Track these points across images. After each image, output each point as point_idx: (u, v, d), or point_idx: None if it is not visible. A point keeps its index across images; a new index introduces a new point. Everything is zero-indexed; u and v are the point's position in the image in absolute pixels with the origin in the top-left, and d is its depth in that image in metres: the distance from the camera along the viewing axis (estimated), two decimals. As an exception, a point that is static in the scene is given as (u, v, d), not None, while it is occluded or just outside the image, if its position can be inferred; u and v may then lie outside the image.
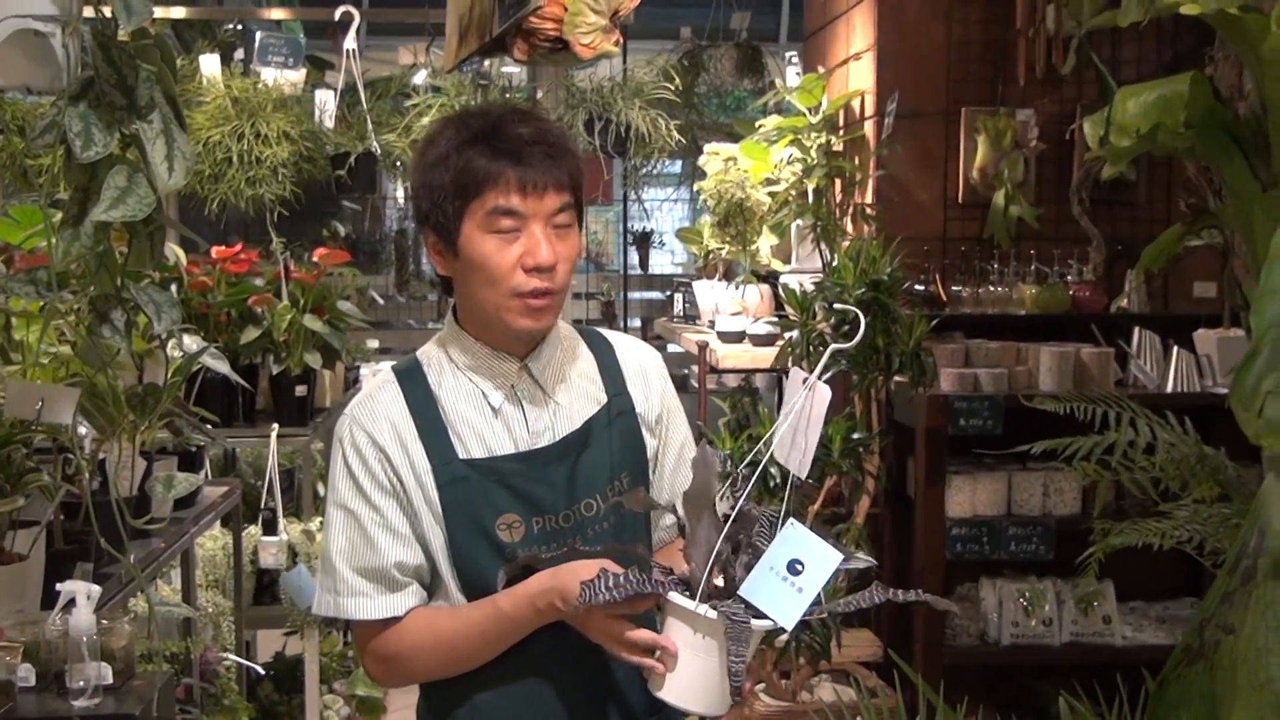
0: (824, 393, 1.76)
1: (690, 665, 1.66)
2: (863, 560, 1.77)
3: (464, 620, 1.91)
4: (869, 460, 3.91)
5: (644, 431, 2.05)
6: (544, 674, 1.92)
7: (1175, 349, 4.08)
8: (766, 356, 4.49)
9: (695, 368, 4.79)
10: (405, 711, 5.22)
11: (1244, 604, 2.01)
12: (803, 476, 1.99)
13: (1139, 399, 2.86)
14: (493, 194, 1.85)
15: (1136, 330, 4.17)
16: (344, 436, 1.96)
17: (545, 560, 1.84)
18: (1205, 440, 2.73)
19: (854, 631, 4.15)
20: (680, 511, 1.77)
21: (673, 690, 1.69)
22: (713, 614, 1.62)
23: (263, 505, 3.97)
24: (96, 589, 2.27)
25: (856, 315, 3.74)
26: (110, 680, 2.31)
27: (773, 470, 3.80)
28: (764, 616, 1.64)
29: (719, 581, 1.69)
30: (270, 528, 3.95)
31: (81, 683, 2.25)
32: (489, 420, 1.95)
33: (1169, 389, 4.06)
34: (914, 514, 4.02)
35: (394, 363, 2.08)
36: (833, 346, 1.82)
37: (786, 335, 4.04)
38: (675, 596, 1.66)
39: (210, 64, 4.87)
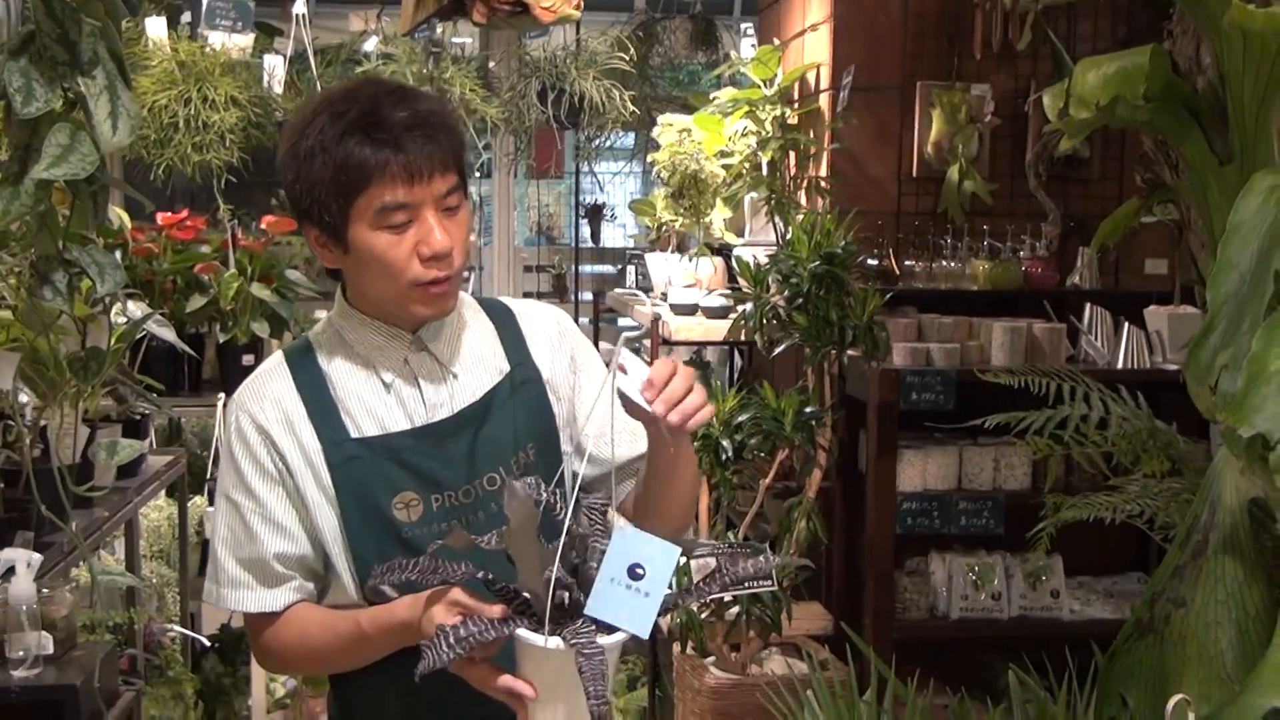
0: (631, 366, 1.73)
1: (553, 698, 1.60)
2: (705, 544, 1.74)
3: (330, 631, 1.85)
4: (821, 434, 3.91)
5: (551, 398, 1.98)
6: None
7: (1126, 325, 4.10)
8: (720, 329, 4.48)
9: (648, 341, 4.76)
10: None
11: (1194, 578, 2.02)
12: (632, 454, 1.95)
13: (1090, 375, 2.86)
14: (379, 188, 1.76)
15: (1088, 306, 4.19)
16: (231, 422, 1.90)
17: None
18: (1155, 416, 2.74)
19: (804, 605, 4.15)
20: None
21: None
22: (562, 645, 1.55)
23: (208, 475, 3.92)
24: (37, 557, 2.23)
25: (810, 289, 3.75)
26: (51, 650, 2.27)
27: (724, 443, 3.80)
28: (616, 629, 1.57)
29: (566, 598, 1.60)
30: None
31: (21, 652, 2.22)
32: (382, 397, 1.89)
33: (1119, 365, 4.08)
34: (865, 488, 4.02)
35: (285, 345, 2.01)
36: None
37: (740, 308, 4.03)
38: (523, 634, 1.58)
39: (156, 27, 4.78)
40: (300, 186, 1.80)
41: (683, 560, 1.62)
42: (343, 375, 1.89)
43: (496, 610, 1.61)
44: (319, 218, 1.81)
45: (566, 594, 1.60)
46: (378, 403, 1.88)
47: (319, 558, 1.88)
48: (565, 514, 1.61)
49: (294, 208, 1.86)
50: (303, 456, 1.85)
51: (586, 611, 1.58)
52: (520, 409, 1.94)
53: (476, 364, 1.94)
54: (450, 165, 1.80)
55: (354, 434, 1.86)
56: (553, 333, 2.02)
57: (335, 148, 1.76)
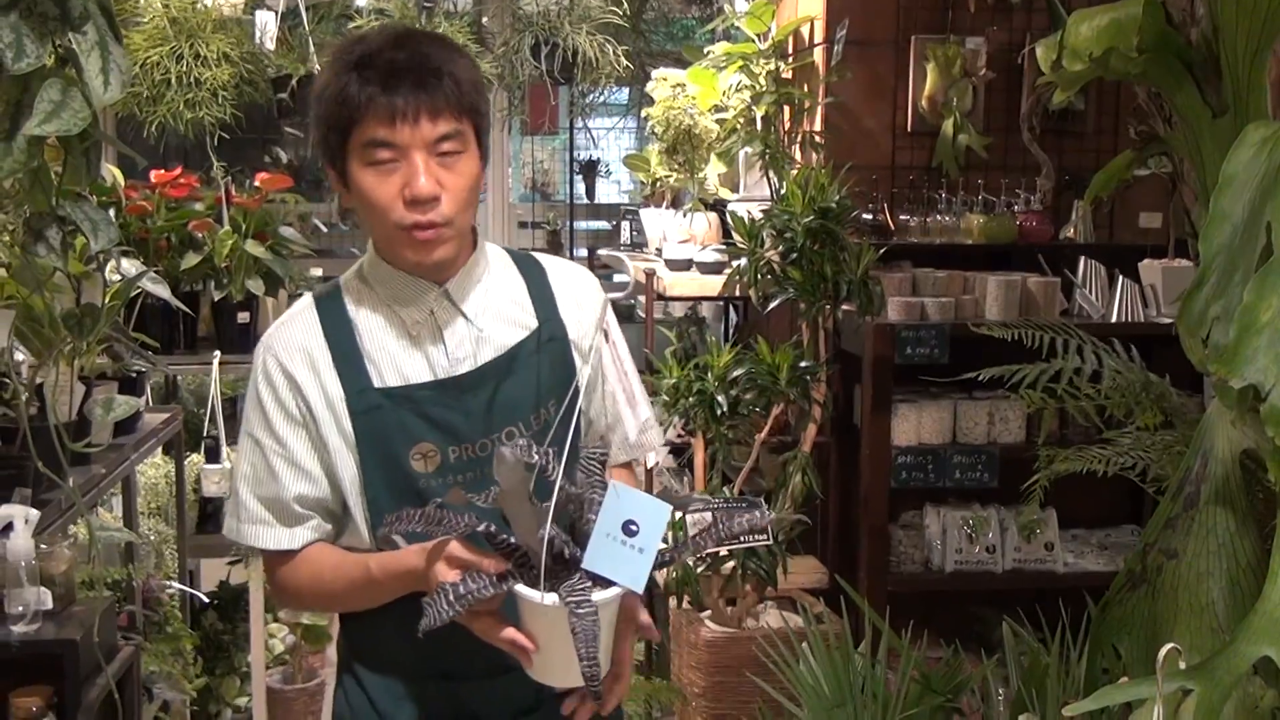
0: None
1: (552, 647, 1.64)
2: (698, 500, 1.75)
3: (342, 574, 1.88)
4: (816, 388, 3.91)
5: (576, 358, 1.99)
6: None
7: (1120, 279, 4.10)
8: (714, 284, 4.48)
9: (642, 297, 4.76)
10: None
11: (1186, 529, 2.03)
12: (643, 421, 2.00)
13: (1084, 328, 2.86)
14: (366, 124, 1.78)
15: (1082, 260, 4.19)
16: (257, 363, 1.92)
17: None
18: (1148, 370, 2.74)
19: (800, 559, 4.18)
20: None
21: (545, 673, 1.68)
22: (558, 602, 1.58)
23: (205, 433, 3.92)
24: (35, 513, 2.24)
25: (804, 243, 3.75)
26: (50, 606, 2.28)
27: (719, 399, 3.81)
28: (612, 584, 1.61)
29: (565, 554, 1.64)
30: (213, 456, 3.91)
31: (20, 608, 2.23)
32: (406, 347, 1.90)
33: (1113, 318, 4.09)
34: (860, 442, 4.03)
35: (315, 288, 2.03)
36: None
37: (734, 263, 4.03)
38: (521, 590, 1.62)
39: (148, -18, 4.75)
40: (315, 123, 1.85)
41: (679, 515, 1.65)
42: (369, 323, 1.91)
43: (495, 565, 1.64)
44: (330, 155, 1.85)
45: (565, 548, 1.62)
46: (402, 353, 1.90)
47: (337, 501, 1.91)
48: (556, 474, 1.63)
49: (317, 148, 1.90)
50: (325, 402, 1.87)
51: (583, 566, 1.60)
52: (545, 365, 1.95)
53: (503, 318, 1.95)
54: (444, 112, 1.79)
55: (377, 383, 1.87)
56: (584, 297, 2.03)
57: (335, 85, 1.80)
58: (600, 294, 2.06)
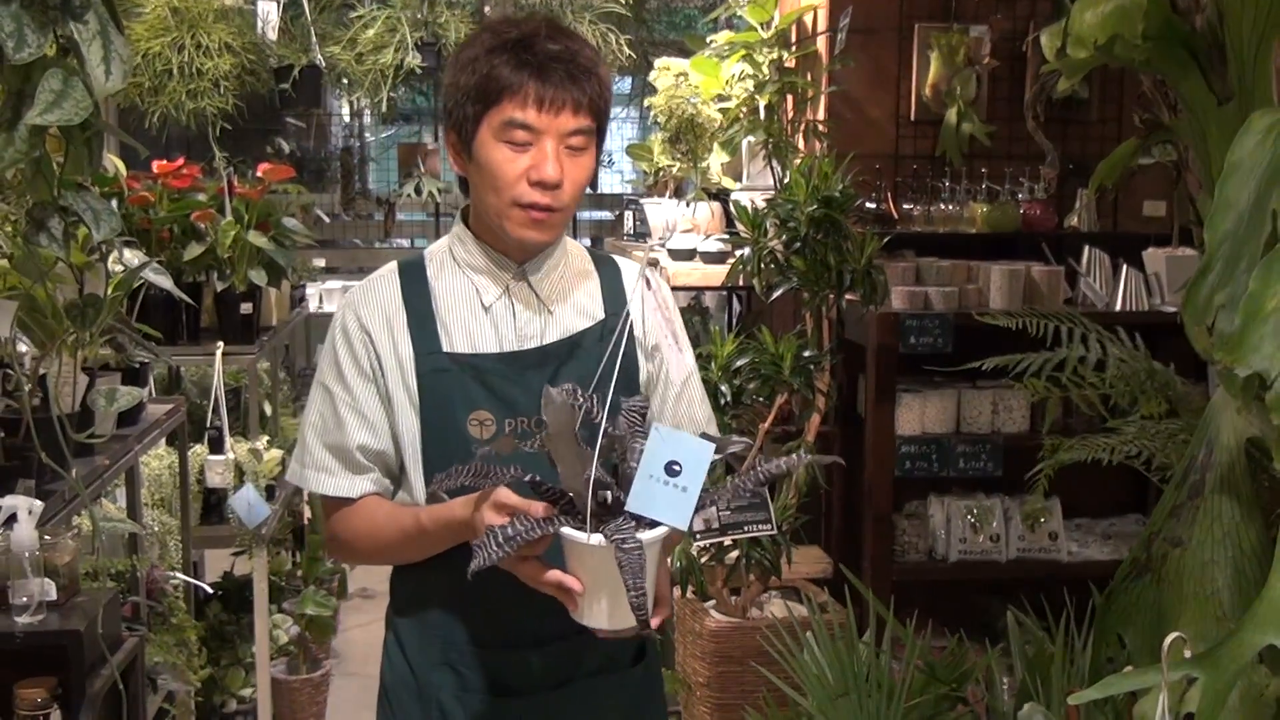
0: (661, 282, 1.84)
1: (599, 591, 1.68)
2: (738, 442, 1.78)
3: (395, 523, 1.96)
4: (820, 378, 3.91)
5: (639, 354, 2.07)
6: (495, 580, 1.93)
7: (1124, 267, 4.10)
8: (718, 274, 4.47)
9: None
10: (356, 630, 5.23)
11: (1191, 517, 2.02)
12: (685, 373, 2.03)
13: (1088, 317, 2.86)
14: (510, 105, 1.87)
15: (1086, 249, 4.18)
16: (338, 318, 2.02)
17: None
18: (1153, 358, 2.74)
19: (804, 548, 4.17)
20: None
21: (590, 615, 1.71)
22: (604, 542, 1.63)
23: (209, 424, 3.92)
24: (38, 504, 2.24)
25: (808, 233, 3.75)
26: (54, 596, 2.28)
27: (723, 388, 3.80)
28: (657, 525, 1.65)
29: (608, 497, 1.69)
30: (217, 447, 3.91)
31: (24, 599, 2.23)
32: (479, 318, 1.99)
33: (1118, 307, 4.09)
34: (864, 432, 4.03)
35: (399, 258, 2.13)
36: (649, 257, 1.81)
37: (738, 253, 4.02)
38: (567, 531, 1.67)
39: (149, -27, 4.74)
40: (450, 91, 1.94)
41: (716, 457, 1.69)
42: (446, 291, 2.00)
43: (541, 508, 1.70)
44: (458, 122, 1.93)
45: (609, 493, 1.68)
46: (474, 322, 1.98)
47: (396, 457, 1.99)
48: (601, 419, 1.69)
49: (444, 110, 2.00)
50: (396, 360, 1.97)
51: (627, 508, 1.65)
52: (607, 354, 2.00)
53: (573, 306, 2.04)
54: (583, 108, 1.90)
55: (445, 347, 1.97)
56: (656, 299, 2.10)
57: (484, 61, 1.89)
58: (673, 303, 2.14)
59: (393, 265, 2.06)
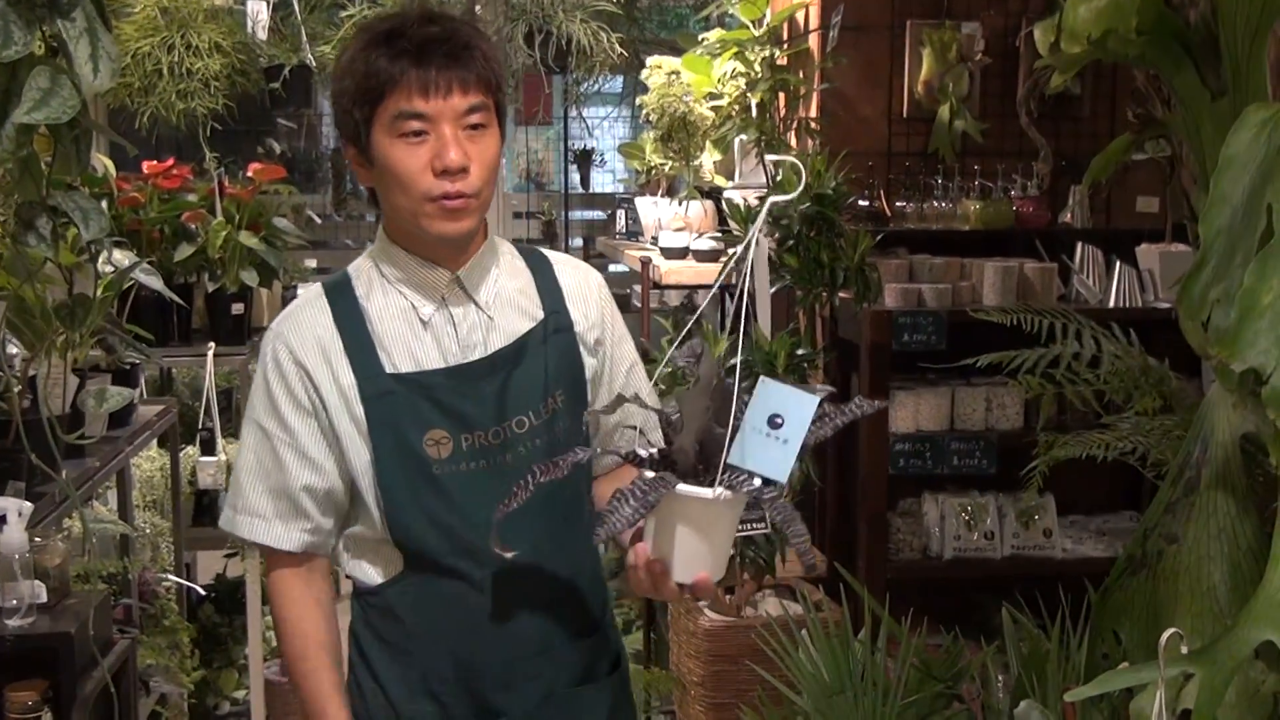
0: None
1: (692, 544, 1.67)
2: (824, 389, 1.76)
3: (297, 642, 1.98)
4: (813, 375, 3.90)
5: (582, 350, 2.01)
6: (481, 613, 1.92)
7: (1118, 264, 4.09)
8: (710, 272, 4.47)
9: (638, 286, 4.75)
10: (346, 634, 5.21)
11: (1186, 513, 2.02)
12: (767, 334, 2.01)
13: (1082, 313, 2.85)
14: (395, 97, 1.80)
15: (1079, 245, 4.18)
16: (266, 351, 1.92)
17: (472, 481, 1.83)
18: (1147, 354, 2.73)
19: (797, 547, 4.16)
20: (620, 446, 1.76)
21: (689, 569, 1.69)
22: (729, 494, 1.62)
23: (200, 426, 3.91)
24: (28, 505, 2.23)
25: (801, 230, 3.74)
26: (44, 599, 2.28)
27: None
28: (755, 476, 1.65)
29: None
30: (208, 448, 3.90)
31: (14, 601, 2.22)
32: (418, 334, 1.91)
33: (1111, 304, 4.08)
34: (857, 429, 4.02)
35: (324, 278, 2.04)
36: (771, 199, 1.81)
37: (730, 251, 4.01)
38: (684, 488, 1.64)
39: (137, -28, 4.72)
40: (336, 100, 1.88)
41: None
42: (381, 311, 1.92)
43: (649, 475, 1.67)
44: (352, 132, 1.86)
45: (696, 450, 1.67)
46: (414, 339, 1.91)
47: (345, 491, 1.92)
48: (736, 371, 1.71)
49: (336, 127, 1.94)
50: (337, 390, 1.89)
51: (729, 461, 1.64)
52: (552, 355, 1.97)
53: (512, 307, 1.97)
54: (472, 85, 1.83)
55: (389, 369, 1.89)
56: (589, 292, 2.06)
57: (361, 59, 1.83)
58: (604, 288, 2.08)
59: (317, 289, 1.97)
